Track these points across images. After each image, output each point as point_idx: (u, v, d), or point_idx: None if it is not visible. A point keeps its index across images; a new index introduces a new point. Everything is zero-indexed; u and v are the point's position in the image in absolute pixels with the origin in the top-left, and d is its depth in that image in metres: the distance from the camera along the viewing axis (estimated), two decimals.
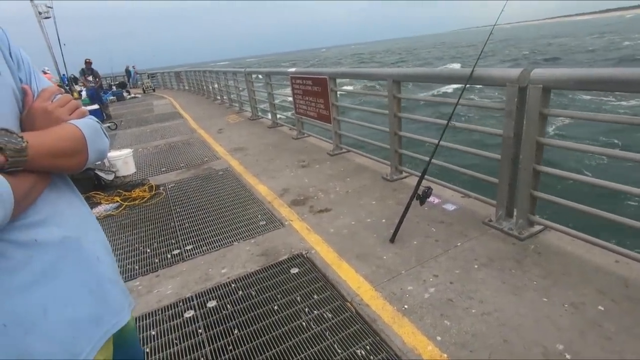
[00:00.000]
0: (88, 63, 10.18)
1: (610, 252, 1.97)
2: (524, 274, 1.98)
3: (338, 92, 4.35)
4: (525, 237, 2.28)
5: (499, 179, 2.41)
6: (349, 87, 16.60)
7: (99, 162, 3.82)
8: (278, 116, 6.60)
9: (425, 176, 2.50)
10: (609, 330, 1.58)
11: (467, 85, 2.41)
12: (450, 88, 16.47)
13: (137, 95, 16.59)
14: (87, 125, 0.76)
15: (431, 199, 2.86)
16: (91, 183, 3.96)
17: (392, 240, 2.42)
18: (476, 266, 2.09)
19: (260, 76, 6.80)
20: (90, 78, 10.13)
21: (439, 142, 2.49)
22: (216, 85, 10.71)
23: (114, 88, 17.34)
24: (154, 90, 18.65)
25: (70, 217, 0.75)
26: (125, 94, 16.02)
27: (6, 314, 0.61)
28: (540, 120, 2.06)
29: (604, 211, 1.92)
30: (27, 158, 0.61)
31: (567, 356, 1.48)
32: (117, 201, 3.63)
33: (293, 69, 5.25)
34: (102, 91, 11.25)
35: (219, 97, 10.67)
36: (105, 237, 0.88)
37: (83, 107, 0.82)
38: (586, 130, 8.85)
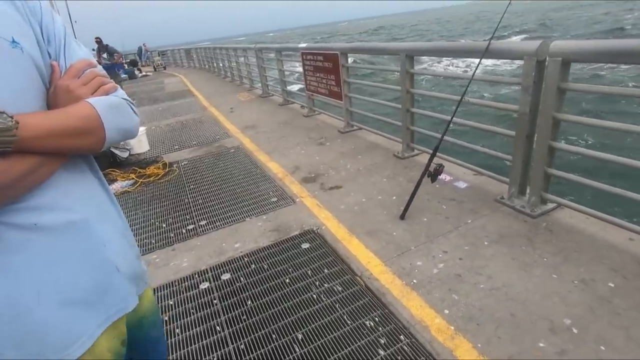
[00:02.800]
0: (98, 41, 10.14)
1: (624, 229, 1.95)
2: (535, 250, 1.98)
3: (349, 68, 4.27)
4: (538, 214, 2.26)
5: (513, 156, 2.37)
6: (360, 63, 16.24)
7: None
8: (288, 93, 6.54)
9: (437, 154, 2.47)
10: (619, 306, 1.58)
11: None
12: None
13: (148, 74, 16.59)
14: (106, 102, 0.72)
15: (442, 176, 2.84)
16: (107, 160, 4.05)
17: (402, 217, 2.43)
18: (486, 243, 2.10)
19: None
20: (105, 56, 10.13)
21: (451, 118, 2.44)
22: (227, 63, 10.62)
23: (126, 66, 17.35)
24: (164, 68, 18.60)
25: (82, 200, 0.72)
26: (136, 72, 16.04)
27: None
28: (558, 95, 2.00)
29: (620, 188, 1.89)
30: (16, 138, 0.56)
31: (574, 330, 1.50)
32: (133, 178, 3.71)
33: (304, 45, 5.16)
34: (119, 68, 11.19)
35: (229, 75, 10.60)
36: (124, 222, 0.85)
37: (111, 84, 0.77)
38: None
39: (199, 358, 1.60)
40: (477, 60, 2.38)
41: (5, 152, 0.56)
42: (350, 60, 4.23)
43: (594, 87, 1.99)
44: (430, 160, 2.42)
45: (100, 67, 0.78)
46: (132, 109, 0.80)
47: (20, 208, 0.62)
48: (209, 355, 1.61)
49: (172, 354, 1.64)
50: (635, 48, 1.68)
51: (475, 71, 2.37)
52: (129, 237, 0.86)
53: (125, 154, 4.20)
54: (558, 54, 1.93)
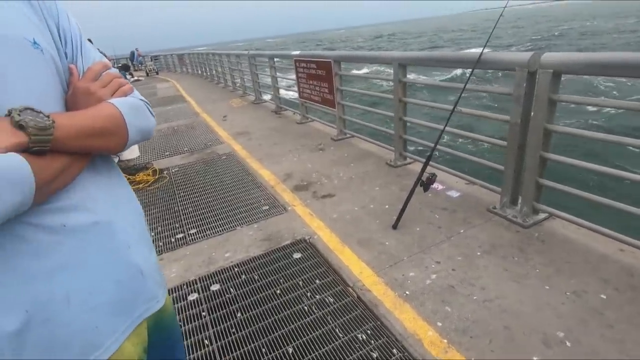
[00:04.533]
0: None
1: (615, 240, 1.95)
2: (527, 261, 1.98)
3: (343, 76, 4.27)
4: (530, 224, 2.26)
5: (505, 165, 2.38)
6: (355, 71, 16.34)
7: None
8: (281, 99, 6.53)
9: (430, 162, 2.47)
10: (611, 318, 1.58)
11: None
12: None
13: (140, 78, 16.47)
14: (127, 103, 0.73)
15: (435, 185, 2.84)
16: None
17: (394, 226, 2.42)
18: (479, 253, 2.09)
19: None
20: None
21: (444, 128, 2.45)
22: (220, 69, 10.59)
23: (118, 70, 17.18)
24: (157, 73, 18.50)
25: (104, 201, 0.71)
26: (128, 76, 15.90)
27: (28, 299, 0.58)
28: (549, 106, 2.02)
29: (610, 199, 1.90)
30: (53, 137, 0.57)
31: (567, 344, 1.48)
32: None
33: (297, 52, 5.16)
34: None
35: (222, 81, 10.57)
36: (144, 224, 0.84)
37: (128, 85, 0.78)
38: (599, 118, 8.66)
39: None
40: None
41: (43, 151, 0.57)
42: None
43: (585, 99, 2.02)
44: (423, 169, 2.41)
45: (115, 69, 0.79)
46: (149, 110, 0.81)
47: (49, 209, 0.61)
48: None
49: None
50: (627, 61, 1.70)
51: (467, 81, 2.38)
52: (149, 240, 0.85)
53: (114, 160, 4.12)
54: (549, 65, 1.95)
